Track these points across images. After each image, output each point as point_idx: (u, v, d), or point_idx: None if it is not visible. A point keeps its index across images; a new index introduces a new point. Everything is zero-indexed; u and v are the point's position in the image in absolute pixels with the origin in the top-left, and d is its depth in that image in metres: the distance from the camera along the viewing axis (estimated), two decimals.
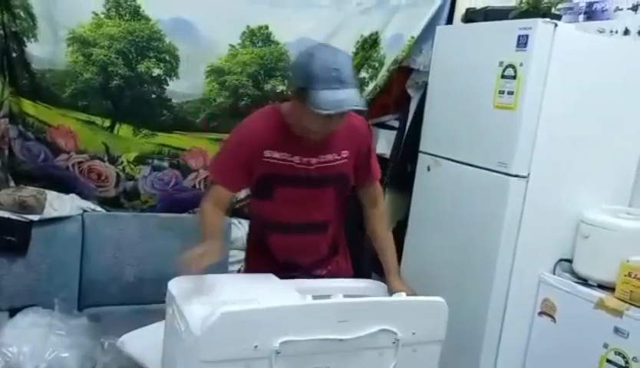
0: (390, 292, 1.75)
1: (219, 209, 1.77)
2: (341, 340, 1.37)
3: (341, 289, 1.62)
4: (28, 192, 2.33)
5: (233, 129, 1.85)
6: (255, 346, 1.29)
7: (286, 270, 1.77)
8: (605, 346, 2.16)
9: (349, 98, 1.56)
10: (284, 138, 1.70)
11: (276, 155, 1.71)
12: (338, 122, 1.63)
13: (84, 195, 2.52)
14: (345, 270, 1.97)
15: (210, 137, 2.60)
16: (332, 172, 1.77)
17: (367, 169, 1.86)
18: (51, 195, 2.37)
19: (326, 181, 1.77)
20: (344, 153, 1.77)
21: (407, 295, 1.70)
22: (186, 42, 2.40)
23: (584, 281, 2.33)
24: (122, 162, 2.51)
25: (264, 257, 1.86)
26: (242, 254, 2.72)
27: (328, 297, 1.50)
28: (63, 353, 1.85)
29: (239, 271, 2.71)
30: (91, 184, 2.54)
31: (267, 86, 2.59)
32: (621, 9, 2.56)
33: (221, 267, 2.62)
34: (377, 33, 2.71)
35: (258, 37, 2.52)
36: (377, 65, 2.75)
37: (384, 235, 1.92)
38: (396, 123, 3.15)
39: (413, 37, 2.76)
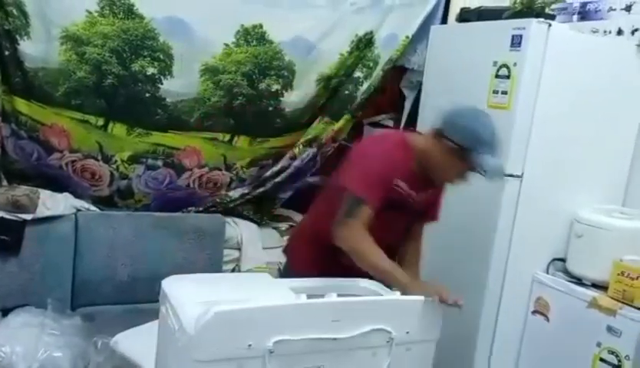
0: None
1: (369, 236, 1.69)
2: (334, 339, 1.37)
3: (335, 288, 1.61)
4: (21, 191, 2.32)
5: (366, 148, 1.88)
6: (249, 346, 1.28)
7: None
8: (599, 344, 2.17)
9: (503, 165, 1.77)
10: (411, 172, 1.79)
11: (402, 185, 1.78)
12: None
13: (77, 194, 2.51)
14: None
15: (205, 136, 2.59)
16: (423, 206, 1.89)
17: (435, 207, 1.95)
18: (44, 194, 2.36)
19: (418, 214, 1.90)
20: (430, 191, 1.88)
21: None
22: (181, 41, 2.39)
23: (577, 280, 2.34)
24: (116, 161, 2.50)
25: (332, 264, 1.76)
26: (235, 253, 2.72)
27: (322, 296, 1.50)
28: (56, 353, 1.84)
29: (233, 270, 2.71)
30: (85, 183, 2.53)
31: (262, 85, 2.59)
32: (615, 9, 2.57)
33: (215, 267, 2.62)
34: (371, 32, 2.71)
35: (253, 36, 2.52)
36: (371, 65, 2.75)
37: (413, 264, 1.94)
38: (390, 123, 3.16)
39: (407, 37, 2.76)
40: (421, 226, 1.99)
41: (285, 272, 1.97)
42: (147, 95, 2.41)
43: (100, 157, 2.47)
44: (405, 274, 1.67)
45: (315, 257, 1.84)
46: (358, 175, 1.77)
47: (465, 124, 1.74)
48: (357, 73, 2.75)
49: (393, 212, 1.79)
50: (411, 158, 1.80)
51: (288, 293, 1.50)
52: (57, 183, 2.49)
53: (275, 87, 2.62)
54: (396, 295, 1.57)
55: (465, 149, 1.70)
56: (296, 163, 2.75)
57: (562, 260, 2.45)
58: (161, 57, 2.38)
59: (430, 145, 1.77)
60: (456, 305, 1.57)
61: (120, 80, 2.35)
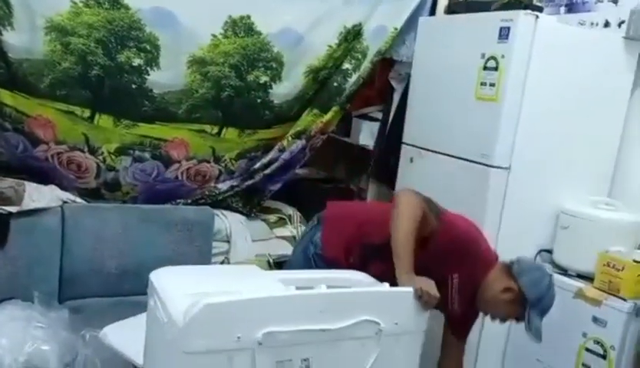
0: None
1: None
2: (323, 330, 1.37)
3: (324, 280, 1.61)
4: (7, 183, 2.29)
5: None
6: (238, 338, 1.28)
7: None
8: (584, 335, 2.20)
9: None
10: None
11: (455, 282, 1.82)
12: None
13: (63, 187, 2.48)
14: None
15: (192, 128, 2.57)
16: (456, 318, 1.92)
17: (465, 326, 1.98)
18: (30, 187, 2.33)
19: (451, 323, 1.95)
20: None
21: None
22: (167, 32, 2.37)
23: (564, 271, 2.36)
24: (102, 152, 2.48)
25: None
26: (225, 246, 2.71)
27: (311, 287, 1.50)
28: (43, 346, 1.83)
29: (222, 263, 2.70)
30: (71, 175, 2.50)
31: (250, 77, 2.57)
32: (602, 1, 2.58)
33: (204, 259, 2.62)
34: (360, 24, 2.70)
35: (241, 27, 2.50)
36: (360, 57, 2.74)
37: None
38: (379, 115, 3.16)
39: (396, 29, 2.75)
40: (457, 343, 1.98)
41: (317, 257, 1.91)
42: (134, 86, 2.39)
43: (86, 149, 2.45)
44: (409, 266, 1.66)
45: (352, 252, 1.85)
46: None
47: (538, 279, 1.81)
48: (346, 65, 2.74)
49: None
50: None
51: (277, 284, 1.50)
52: (43, 175, 2.47)
53: (264, 78, 2.60)
54: (384, 286, 1.58)
55: (526, 299, 1.76)
56: (285, 155, 2.75)
57: (549, 251, 2.47)
58: (147, 48, 2.35)
59: (495, 274, 1.82)
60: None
61: (105, 71, 2.32)
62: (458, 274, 1.82)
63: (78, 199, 2.47)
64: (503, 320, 1.88)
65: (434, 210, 1.82)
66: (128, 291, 2.42)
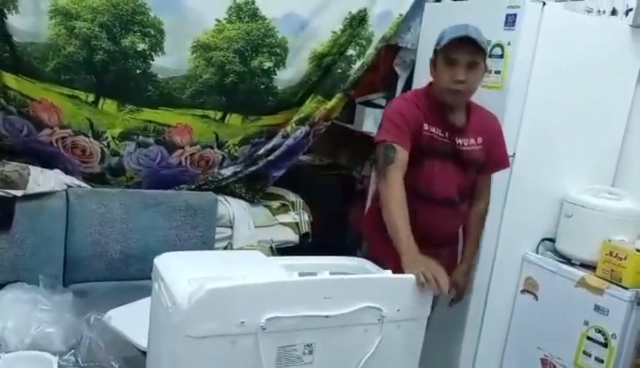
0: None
1: (403, 181, 1.80)
2: (326, 316, 1.38)
3: (327, 266, 1.62)
4: (11, 167, 2.30)
5: (391, 104, 2.09)
6: (242, 322, 1.29)
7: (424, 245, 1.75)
8: (586, 323, 2.21)
9: (469, 32, 1.82)
10: (436, 116, 1.93)
11: (432, 129, 1.91)
12: (465, 71, 1.84)
13: (68, 171, 2.49)
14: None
15: (196, 114, 2.57)
16: (474, 156, 1.99)
17: (487, 160, 2.03)
18: (35, 171, 2.34)
19: (470, 163, 1.99)
20: (479, 140, 1.99)
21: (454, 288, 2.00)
22: (172, 17, 2.35)
23: (566, 260, 2.37)
24: (107, 137, 2.48)
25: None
26: (228, 232, 2.72)
27: (314, 274, 1.51)
28: (48, 329, 1.84)
29: (225, 248, 2.71)
30: (75, 160, 2.51)
31: (254, 62, 2.56)
32: None
33: (207, 245, 2.63)
34: (365, 10, 2.68)
35: (245, 12, 2.49)
36: (364, 43, 2.72)
37: (471, 229, 2.15)
38: (383, 102, 3.15)
39: (401, 15, 2.73)
40: (485, 180, 2.10)
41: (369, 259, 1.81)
42: (138, 71, 2.38)
43: (90, 133, 2.45)
44: (409, 245, 1.68)
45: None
46: (385, 126, 1.90)
47: (440, 33, 1.92)
48: (350, 51, 2.73)
49: (439, 161, 1.94)
50: (430, 102, 1.95)
51: (280, 270, 1.51)
52: (48, 160, 2.47)
53: (268, 64, 2.59)
54: (387, 273, 1.59)
55: (435, 51, 1.91)
56: (288, 142, 2.74)
57: (552, 240, 2.48)
58: (152, 32, 2.34)
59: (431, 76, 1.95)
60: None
61: (110, 56, 2.31)
62: (431, 126, 1.93)
63: (83, 184, 2.48)
64: (449, 77, 1.88)
65: (390, 158, 1.83)
66: (132, 275, 2.44)
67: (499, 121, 2.13)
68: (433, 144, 1.92)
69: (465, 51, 1.84)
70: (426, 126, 1.91)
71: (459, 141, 1.96)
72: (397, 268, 1.61)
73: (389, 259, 1.69)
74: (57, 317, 1.90)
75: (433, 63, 1.94)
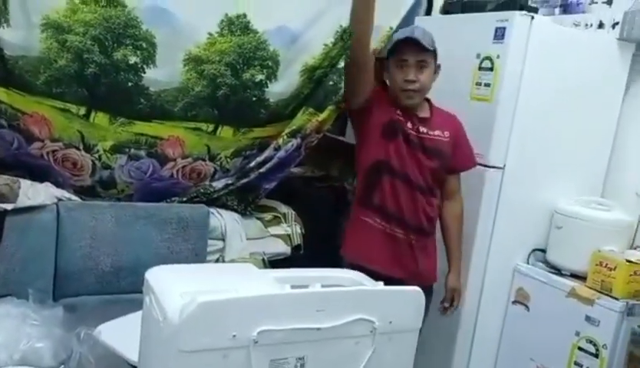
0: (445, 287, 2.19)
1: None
2: (318, 329, 1.38)
3: (319, 279, 1.62)
4: (2, 180, 2.28)
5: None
6: (233, 336, 1.29)
7: (392, 222, 2.07)
8: (577, 334, 2.22)
9: (413, 33, 2.00)
10: (403, 107, 2.10)
11: (399, 112, 2.09)
12: (415, 71, 2.01)
13: (58, 184, 2.47)
14: (430, 266, 2.20)
15: (188, 126, 2.56)
16: (440, 146, 2.09)
17: (454, 158, 2.12)
18: (25, 184, 2.32)
19: (434, 152, 2.09)
20: (446, 134, 2.11)
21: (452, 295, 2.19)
22: (164, 30, 2.35)
23: (557, 271, 2.38)
24: (98, 150, 2.47)
25: (370, 209, 2.12)
26: (220, 244, 2.71)
27: (306, 286, 1.50)
28: (37, 344, 1.82)
29: (217, 261, 2.70)
30: (66, 173, 2.49)
31: (246, 75, 2.56)
32: (596, 2, 2.61)
33: (199, 257, 2.62)
34: None
35: (237, 25, 2.49)
36: None
37: (450, 233, 2.22)
38: None
39: (391, 28, 2.75)
40: (455, 180, 2.19)
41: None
42: (130, 84, 2.38)
43: (81, 147, 2.44)
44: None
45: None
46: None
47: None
48: (342, 64, 2.72)
49: (408, 147, 2.06)
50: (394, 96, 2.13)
51: (272, 283, 1.51)
52: (38, 173, 2.46)
53: (259, 77, 2.60)
54: (379, 285, 1.59)
55: (387, 57, 2.09)
56: (280, 154, 2.74)
57: (543, 250, 2.49)
58: (144, 45, 2.34)
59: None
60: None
61: (101, 69, 2.31)
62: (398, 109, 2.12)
63: (73, 197, 2.46)
64: (401, 77, 2.07)
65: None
66: (123, 289, 2.42)
67: (460, 121, 2.20)
68: (402, 127, 2.08)
69: (412, 52, 2.00)
70: (394, 109, 2.10)
71: (422, 129, 2.09)
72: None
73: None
74: (47, 332, 1.88)
75: (388, 68, 2.10)
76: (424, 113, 2.13)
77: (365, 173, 2.17)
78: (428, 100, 2.17)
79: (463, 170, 2.21)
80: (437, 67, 2.09)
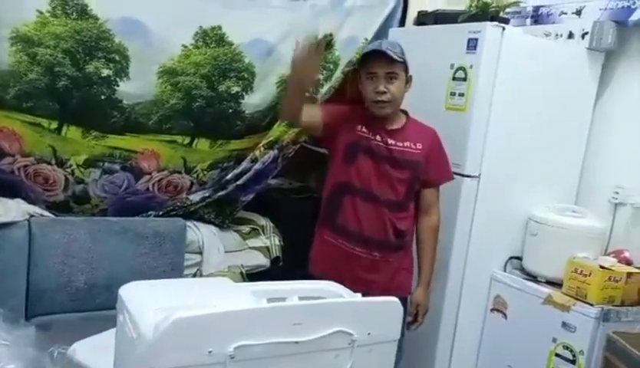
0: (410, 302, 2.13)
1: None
2: (296, 342, 1.36)
3: (297, 291, 1.61)
4: None
5: None
6: (210, 352, 1.27)
7: (352, 240, 2.08)
8: (554, 340, 2.24)
9: (380, 45, 2.01)
10: (371, 121, 2.09)
11: (364, 130, 2.09)
12: (385, 82, 2.01)
13: (31, 200, 2.43)
14: (400, 280, 2.13)
15: (163, 139, 2.54)
16: (409, 157, 2.07)
17: (428, 170, 2.08)
18: None
19: (403, 163, 2.06)
20: (419, 145, 2.08)
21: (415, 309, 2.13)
22: (137, 42, 2.34)
23: (533, 278, 2.40)
24: (71, 165, 2.43)
25: (332, 229, 2.14)
26: (197, 258, 2.68)
27: (283, 299, 1.49)
28: (8, 365, 1.77)
29: (194, 275, 2.67)
30: (38, 188, 2.45)
31: (221, 87, 2.56)
32: (566, 13, 2.66)
33: (176, 271, 2.59)
34: (331, 35, 2.71)
35: (212, 37, 2.49)
36: (332, 67, 2.76)
37: (423, 247, 2.16)
38: None
39: (366, 39, 2.78)
40: (432, 194, 2.14)
41: None
42: (103, 97, 2.35)
43: (53, 161, 2.40)
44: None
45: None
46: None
47: None
48: (318, 76, 2.75)
49: (372, 161, 2.06)
50: (366, 111, 2.12)
51: (248, 297, 1.49)
52: (9, 189, 2.40)
53: (235, 89, 2.59)
54: (357, 297, 1.58)
55: (359, 66, 2.10)
56: (257, 166, 2.74)
57: (519, 258, 2.51)
58: (117, 58, 2.32)
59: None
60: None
61: (73, 82, 2.28)
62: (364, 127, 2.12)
63: (46, 213, 2.42)
64: (371, 88, 2.05)
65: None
66: (98, 306, 2.37)
67: (438, 135, 2.16)
68: (366, 143, 2.08)
69: (381, 64, 2.00)
70: (359, 127, 2.09)
71: (391, 141, 2.07)
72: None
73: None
74: (18, 353, 1.83)
75: (360, 80, 2.10)
76: (396, 124, 2.11)
77: (327, 195, 2.19)
78: (405, 113, 2.16)
79: (437, 184, 2.16)
80: (409, 78, 2.09)
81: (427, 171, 2.09)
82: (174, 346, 1.24)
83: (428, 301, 2.16)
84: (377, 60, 2.01)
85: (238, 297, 1.50)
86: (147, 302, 1.37)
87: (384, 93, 2.01)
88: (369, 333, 1.48)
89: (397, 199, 2.07)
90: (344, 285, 1.67)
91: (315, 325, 1.39)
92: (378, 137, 2.07)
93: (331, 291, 1.66)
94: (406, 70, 2.05)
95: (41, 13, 2.17)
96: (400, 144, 2.07)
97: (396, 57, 1.98)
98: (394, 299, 1.56)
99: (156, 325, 1.23)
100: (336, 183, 2.15)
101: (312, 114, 2.10)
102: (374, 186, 2.06)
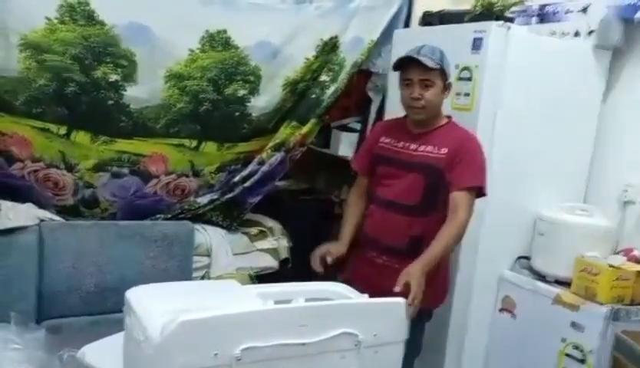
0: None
1: (361, 194, 2.23)
2: (303, 344, 1.37)
3: (303, 293, 1.62)
4: None
5: None
6: (216, 354, 1.28)
7: (372, 249, 2.12)
8: (563, 340, 2.23)
9: (415, 53, 1.98)
10: (397, 129, 2.15)
11: (387, 140, 2.14)
12: (419, 89, 1.99)
13: (41, 205, 2.46)
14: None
15: (171, 143, 2.57)
16: (427, 161, 2.04)
17: (451, 173, 2.00)
18: (6, 205, 2.30)
19: (420, 167, 2.04)
20: (443, 150, 2.03)
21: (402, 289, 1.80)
22: (144, 47, 2.36)
23: (542, 278, 2.39)
24: (80, 169, 2.46)
25: (362, 238, 2.17)
26: (206, 260, 2.70)
27: (289, 301, 1.50)
28: None
29: (203, 277, 2.68)
30: (48, 193, 2.48)
31: (228, 90, 2.57)
32: (572, 11, 2.64)
33: (184, 274, 2.60)
34: (336, 37, 2.72)
35: (218, 41, 2.51)
36: (337, 68, 2.76)
37: (438, 233, 1.96)
38: (358, 126, 3.18)
39: (372, 41, 2.78)
40: (459, 198, 1.98)
41: None
42: (110, 102, 2.38)
43: (63, 166, 2.43)
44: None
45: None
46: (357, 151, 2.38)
47: None
48: (324, 77, 2.76)
49: (394, 168, 2.09)
50: (397, 121, 2.20)
51: (255, 299, 1.50)
52: (20, 194, 2.44)
53: (242, 92, 2.61)
54: (363, 298, 1.59)
55: (394, 69, 2.08)
56: (264, 168, 2.75)
57: (527, 258, 2.50)
58: (124, 63, 2.35)
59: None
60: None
61: (82, 88, 2.31)
62: (387, 137, 2.18)
63: (56, 217, 2.45)
64: (407, 94, 2.04)
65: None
66: (108, 309, 2.39)
67: (474, 140, 2.08)
68: (386, 153, 2.13)
69: (415, 71, 1.99)
70: (382, 139, 2.16)
71: (413, 146, 2.07)
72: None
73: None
74: (29, 356, 1.85)
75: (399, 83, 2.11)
76: (424, 129, 2.07)
77: None
78: (449, 117, 2.12)
79: (458, 187, 1.98)
80: (448, 85, 2.04)
81: (450, 174, 2.00)
82: (181, 348, 1.25)
83: (419, 278, 1.82)
84: (412, 67, 1.99)
85: (244, 299, 1.51)
86: (154, 305, 1.38)
87: (419, 99, 2.00)
88: (375, 335, 1.49)
89: (413, 204, 2.04)
90: (362, 291, 1.66)
91: (321, 326, 1.40)
92: (402, 143, 2.10)
93: (337, 292, 1.67)
94: (444, 76, 2.01)
95: (49, 20, 2.20)
96: (423, 148, 2.05)
97: (432, 65, 1.95)
98: (400, 300, 1.57)
99: (162, 328, 1.25)
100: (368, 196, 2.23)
101: (361, 191, 2.25)
102: (389, 192, 2.08)
